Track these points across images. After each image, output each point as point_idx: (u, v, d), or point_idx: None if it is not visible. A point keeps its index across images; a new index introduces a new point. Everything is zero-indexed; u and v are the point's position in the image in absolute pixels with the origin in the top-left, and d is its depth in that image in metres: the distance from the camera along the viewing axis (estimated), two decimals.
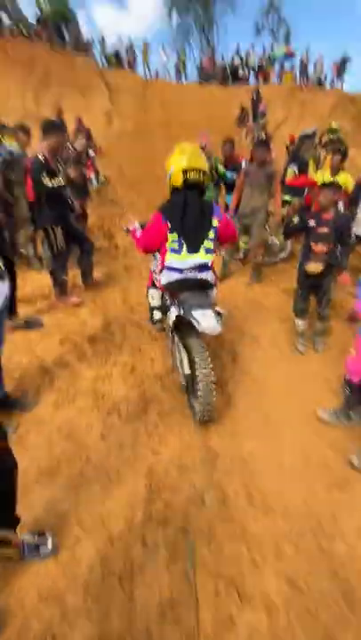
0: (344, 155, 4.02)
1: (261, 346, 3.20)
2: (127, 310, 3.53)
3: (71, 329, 3.16)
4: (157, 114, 14.79)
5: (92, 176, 9.02)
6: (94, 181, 9.08)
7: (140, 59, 15.55)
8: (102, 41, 15.45)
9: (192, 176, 2.07)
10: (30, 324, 3.07)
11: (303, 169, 5.19)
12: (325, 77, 15.32)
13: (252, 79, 16.25)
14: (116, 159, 11.41)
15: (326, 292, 3.02)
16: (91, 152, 9.56)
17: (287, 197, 5.22)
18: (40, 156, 3.02)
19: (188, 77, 17.16)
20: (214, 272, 2.21)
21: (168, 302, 2.33)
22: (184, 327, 2.10)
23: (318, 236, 2.86)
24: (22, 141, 4.01)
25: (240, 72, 15.94)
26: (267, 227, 4.88)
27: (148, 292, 2.69)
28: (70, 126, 10.79)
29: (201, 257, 2.10)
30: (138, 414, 2.41)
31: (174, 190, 2.15)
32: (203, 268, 2.12)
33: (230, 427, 2.33)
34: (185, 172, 2.07)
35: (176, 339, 2.21)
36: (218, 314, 2.01)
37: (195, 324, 1.94)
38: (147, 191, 9.69)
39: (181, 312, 2.04)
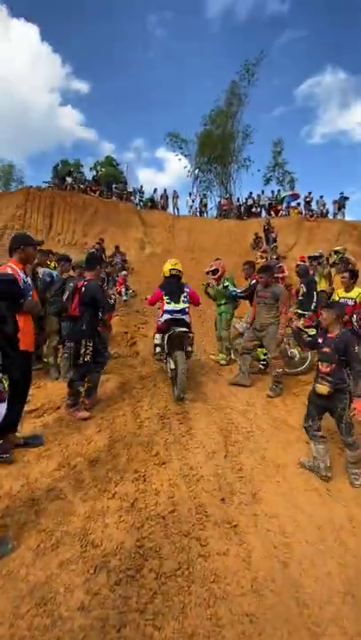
0: (354, 274, 4.12)
1: (287, 478, 2.68)
2: (136, 427, 3.23)
3: (73, 449, 2.85)
4: (183, 241, 17.05)
5: (123, 290, 9.91)
6: (124, 294, 9.92)
7: (171, 203, 18.90)
8: (141, 190, 19.20)
9: (173, 272, 4.16)
10: (29, 443, 2.82)
11: (312, 286, 5.41)
12: (327, 212, 17.59)
13: (263, 214, 18.95)
14: (145, 276, 12.72)
15: (341, 417, 2.66)
16: (123, 272, 10.74)
17: (299, 310, 5.30)
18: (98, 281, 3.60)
19: (210, 215, 20.36)
20: (189, 315, 4.07)
21: (164, 334, 3.91)
22: (171, 346, 3.82)
23: (322, 354, 2.71)
24: (64, 269, 4.56)
25: (253, 209, 18.73)
26: (286, 339, 4.83)
27: (154, 335, 4.20)
28: (109, 252, 12.47)
29: (180, 305, 4.00)
30: (132, 575, 1.87)
31: (165, 277, 4.22)
32: (182, 311, 3.98)
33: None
34: (170, 269, 4.18)
35: (168, 353, 3.87)
36: (188, 352, 3.91)
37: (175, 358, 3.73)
38: None
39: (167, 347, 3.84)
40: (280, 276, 8.80)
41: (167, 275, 4.18)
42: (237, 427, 3.33)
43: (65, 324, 4.16)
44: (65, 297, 3.65)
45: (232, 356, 5.19)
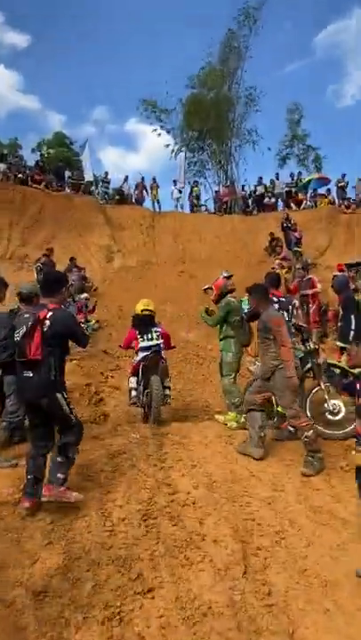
0: None
1: (341, 604, 2.60)
2: (105, 534, 3.14)
3: (8, 575, 2.72)
4: (168, 248, 17.49)
5: (82, 321, 9.94)
6: (85, 327, 9.93)
7: (149, 195, 19.52)
8: (105, 178, 19.84)
9: (145, 312, 5.74)
10: None
11: (350, 304, 5.56)
12: None
13: (280, 206, 19.68)
14: (115, 299, 12.89)
15: None
16: (83, 295, 10.83)
17: (340, 343, 5.41)
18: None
19: (204, 210, 21.04)
20: (163, 350, 5.59)
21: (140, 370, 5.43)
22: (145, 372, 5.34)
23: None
24: None
25: (266, 200, 19.48)
26: (324, 384, 4.88)
27: (128, 380, 5.59)
28: (61, 266, 12.66)
29: (154, 341, 5.48)
30: None
31: (137, 316, 5.80)
32: (157, 346, 5.46)
33: None
34: (143, 310, 5.76)
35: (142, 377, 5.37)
36: (165, 387, 5.41)
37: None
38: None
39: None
40: (309, 292, 9.04)
41: (140, 314, 5.70)
42: (261, 524, 3.30)
43: (9, 377, 4.25)
44: (20, 333, 3.50)
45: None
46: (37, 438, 3.58)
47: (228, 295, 5.50)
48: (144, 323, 5.63)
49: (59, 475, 3.41)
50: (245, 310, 5.38)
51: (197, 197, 20.61)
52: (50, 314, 3.48)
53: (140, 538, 3.10)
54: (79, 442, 3.64)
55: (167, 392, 5.45)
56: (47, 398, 3.42)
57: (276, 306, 4.97)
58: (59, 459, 3.48)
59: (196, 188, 20.90)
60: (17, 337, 3.37)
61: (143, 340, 5.45)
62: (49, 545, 3.01)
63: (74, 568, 2.81)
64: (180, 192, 20.47)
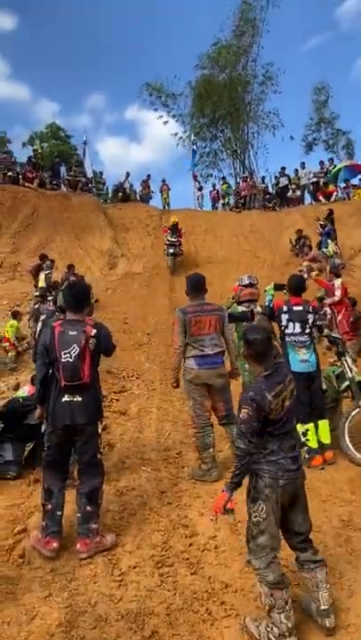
0: None
1: None
2: (114, 585, 3.12)
3: (6, 634, 2.71)
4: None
5: None
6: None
7: (160, 197, 19.89)
8: (100, 177, 20.10)
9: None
10: None
11: None
12: None
13: (307, 199, 19.69)
14: (119, 311, 12.93)
15: None
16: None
17: None
18: None
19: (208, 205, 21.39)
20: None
21: None
22: None
23: None
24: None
25: (289, 193, 19.50)
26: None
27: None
28: (57, 275, 12.81)
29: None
30: None
31: None
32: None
33: None
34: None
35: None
36: None
37: None
38: (161, 351, 10.45)
39: None
40: (328, 301, 8.89)
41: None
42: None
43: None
44: (72, 354, 3.49)
45: None
46: (63, 472, 3.69)
47: (243, 305, 5.44)
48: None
49: (92, 525, 3.47)
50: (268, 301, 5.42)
51: (225, 195, 21.02)
52: (94, 331, 3.59)
53: (153, 589, 3.08)
54: (103, 483, 3.70)
55: None
56: (93, 425, 3.62)
57: (285, 317, 4.98)
58: (88, 507, 3.50)
59: (224, 186, 21.20)
60: (67, 358, 3.43)
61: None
62: (49, 597, 3.01)
63: (78, 624, 2.79)
64: (202, 188, 20.88)
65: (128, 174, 20.37)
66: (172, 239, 15.37)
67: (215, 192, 21.70)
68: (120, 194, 19.77)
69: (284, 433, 2.72)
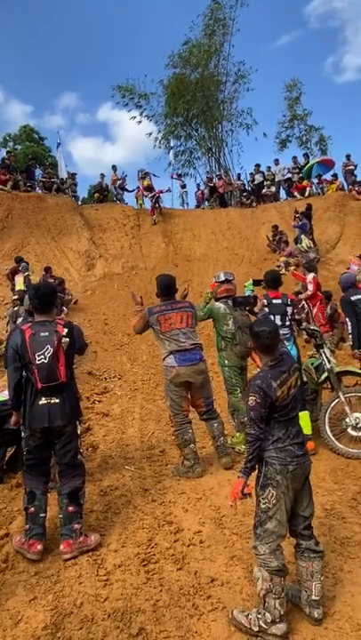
0: None
1: None
2: (99, 584, 3.10)
3: None
4: (157, 250, 17.51)
5: None
6: None
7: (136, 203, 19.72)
8: (72, 179, 19.85)
9: None
10: None
11: (346, 308, 5.62)
12: None
13: (282, 195, 19.87)
14: (98, 312, 12.85)
15: None
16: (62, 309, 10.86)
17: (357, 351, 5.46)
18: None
19: (193, 204, 21.48)
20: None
21: None
22: None
23: None
24: None
25: (264, 189, 19.66)
26: (341, 394, 4.91)
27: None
28: (35, 277, 12.67)
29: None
30: None
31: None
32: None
33: None
34: None
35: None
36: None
37: None
38: (142, 351, 10.44)
39: None
40: (302, 297, 8.97)
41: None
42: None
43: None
44: (46, 355, 3.44)
45: None
46: (44, 474, 3.66)
47: (221, 301, 5.45)
48: None
49: (75, 525, 3.45)
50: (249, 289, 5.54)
51: (211, 192, 21.12)
52: (66, 330, 3.58)
53: (139, 586, 3.07)
54: (85, 483, 3.68)
55: None
56: (72, 425, 3.61)
57: (266, 309, 5.05)
58: (70, 508, 3.48)
59: (208, 184, 21.37)
60: (41, 359, 3.40)
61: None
62: (34, 601, 2.97)
63: (64, 626, 2.76)
64: (185, 186, 21.02)
65: (103, 175, 20.20)
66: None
67: (200, 192, 21.72)
68: (96, 194, 19.65)
69: (289, 419, 2.80)
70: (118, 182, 19.71)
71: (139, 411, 7.19)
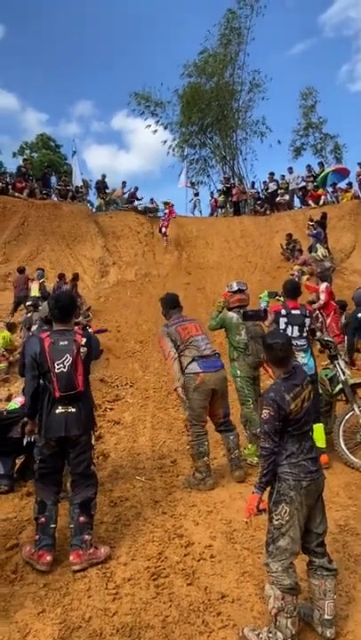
0: None
1: None
2: (108, 598, 3.06)
3: None
4: (170, 257, 17.57)
5: None
6: None
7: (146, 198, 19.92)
8: (91, 184, 20.15)
9: None
10: None
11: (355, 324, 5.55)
12: None
13: (297, 203, 19.83)
14: (111, 319, 12.90)
15: None
16: (81, 319, 10.93)
17: None
18: None
19: (206, 212, 21.61)
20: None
21: None
22: None
23: None
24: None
25: (279, 197, 19.63)
26: (356, 406, 4.84)
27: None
28: (50, 284, 12.75)
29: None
30: None
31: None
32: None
33: None
34: None
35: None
36: None
37: None
38: (154, 358, 10.42)
39: None
40: (315, 306, 8.88)
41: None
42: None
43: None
44: (65, 364, 3.46)
45: None
46: (56, 484, 3.65)
47: (233, 311, 5.41)
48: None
49: (85, 537, 3.44)
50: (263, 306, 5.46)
51: (222, 206, 21.39)
52: (85, 340, 3.60)
53: (149, 601, 3.03)
54: (97, 494, 3.66)
55: None
56: (87, 435, 3.61)
57: (284, 320, 4.97)
58: (82, 518, 3.47)
59: (221, 197, 21.52)
60: (60, 368, 3.41)
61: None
62: (42, 614, 2.94)
63: None
64: (198, 193, 21.13)
65: (124, 183, 20.44)
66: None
67: (214, 200, 21.91)
68: (114, 203, 19.89)
69: (302, 433, 2.77)
70: (129, 193, 19.88)
71: (150, 419, 7.16)
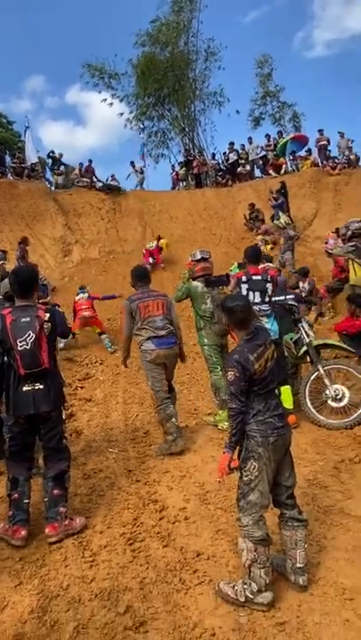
0: None
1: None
2: (85, 566, 3.09)
3: None
4: (134, 233, 17.35)
5: None
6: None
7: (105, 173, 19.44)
8: (53, 161, 19.49)
9: None
10: None
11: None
12: (359, 158, 18.61)
13: (257, 173, 19.80)
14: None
15: None
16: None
17: None
18: None
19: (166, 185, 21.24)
20: None
21: None
22: None
23: None
24: None
25: (240, 168, 19.53)
26: (321, 367, 4.95)
27: None
28: (11, 265, 12.42)
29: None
30: None
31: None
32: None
33: None
34: None
35: None
36: None
37: None
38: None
39: None
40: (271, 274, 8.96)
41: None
42: None
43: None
44: (27, 341, 3.33)
45: None
46: (28, 460, 3.63)
47: (198, 280, 5.41)
48: None
49: (60, 509, 3.44)
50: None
51: (184, 179, 21.03)
52: (48, 315, 3.52)
53: (126, 565, 3.07)
54: (70, 467, 3.67)
55: None
56: (58, 411, 3.60)
57: (245, 286, 5.02)
58: (55, 491, 3.47)
59: (182, 170, 21.09)
60: (23, 345, 3.31)
61: None
62: (19, 586, 2.95)
63: (51, 609, 2.75)
64: (143, 172, 20.55)
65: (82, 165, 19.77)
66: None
67: (175, 173, 21.48)
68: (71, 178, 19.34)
69: (268, 392, 2.82)
70: (84, 167, 19.28)
71: (122, 394, 7.17)
